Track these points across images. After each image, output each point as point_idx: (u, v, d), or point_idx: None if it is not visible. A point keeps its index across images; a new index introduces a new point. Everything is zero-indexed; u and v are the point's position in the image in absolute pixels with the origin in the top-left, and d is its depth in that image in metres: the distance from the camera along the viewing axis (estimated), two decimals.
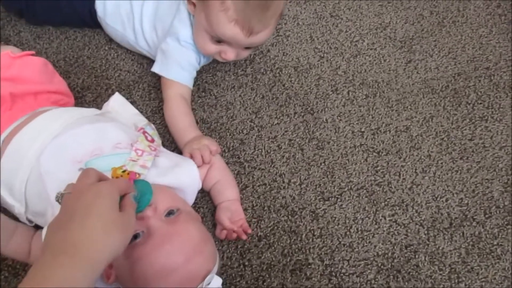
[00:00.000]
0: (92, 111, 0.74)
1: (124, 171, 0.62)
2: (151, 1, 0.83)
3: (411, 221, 0.78)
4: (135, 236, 0.54)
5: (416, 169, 0.83)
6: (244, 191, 0.78)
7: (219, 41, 0.75)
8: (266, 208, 0.77)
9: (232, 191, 0.74)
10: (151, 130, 0.71)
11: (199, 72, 0.88)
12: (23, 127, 0.65)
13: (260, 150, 0.83)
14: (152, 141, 0.68)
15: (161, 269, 0.53)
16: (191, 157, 0.70)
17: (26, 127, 0.65)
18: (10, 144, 0.64)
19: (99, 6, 0.86)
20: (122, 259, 0.54)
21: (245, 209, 0.76)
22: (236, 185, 0.76)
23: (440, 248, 0.76)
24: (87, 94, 0.87)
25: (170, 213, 0.58)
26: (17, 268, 0.68)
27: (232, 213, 0.72)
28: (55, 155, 0.62)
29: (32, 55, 0.74)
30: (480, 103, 0.93)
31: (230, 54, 0.77)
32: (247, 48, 0.78)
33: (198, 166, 0.70)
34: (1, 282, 0.67)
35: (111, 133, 0.67)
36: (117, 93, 0.80)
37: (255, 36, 0.73)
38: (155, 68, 0.83)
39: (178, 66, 0.80)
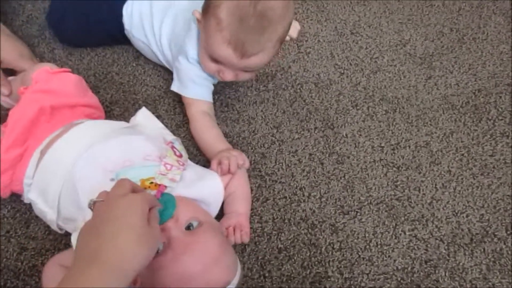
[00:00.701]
0: (122, 124, 0.78)
1: (151, 183, 0.65)
2: (170, 20, 0.86)
3: (431, 236, 0.78)
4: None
5: (436, 184, 0.84)
6: (265, 203, 0.80)
7: (217, 60, 0.76)
8: (286, 220, 0.78)
9: (243, 205, 0.75)
10: (179, 145, 0.74)
11: (222, 87, 0.91)
12: (59, 138, 0.69)
13: (281, 164, 0.85)
14: (180, 156, 0.71)
15: (179, 278, 0.55)
16: (219, 163, 0.72)
17: (61, 138, 0.69)
18: (46, 153, 0.68)
19: (126, 20, 0.91)
20: (146, 269, 0.56)
21: (265, 221, 0.78)
22: (250, 201, 0.77)
23: (461, 263, 0.76)
24: (115, 108, 0.90)
25: (191, 224, 0.60)
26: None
27: (234, 224, 0.73)
28: (88, 165, 0.66)
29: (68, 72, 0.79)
30: (501, 119, 0.93)
31: (227, 75, 0.78)
32: (246, 71, 0.78)
33: (223, 174, 0.72)
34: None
35: (140, 145, 0.71)
36: (144, 108, 0.83)
37: (248, 59, 0.73)
38: (174, 87, 0.86)
39: (193, 83, 0.83)
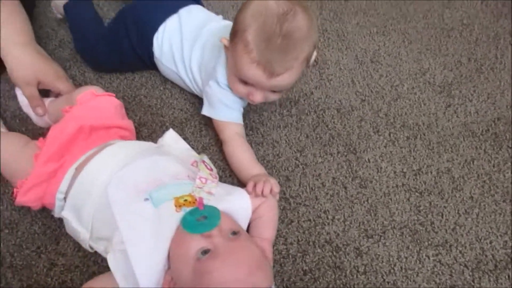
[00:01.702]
0: (151, 144, 0.81)
1: (185, 200, 0.67)
2: (199, 49, 0.89)
3: (455, 261, 0.78)
4: (205, 252, 0.59)
5: (458, 210, 0.85)
6: (289, 226, 0.81)
7: (246, 82, 0.79)
8: (311, 243, 0.79)
9: (268, 231, 0.76)
10: (207, 160, 0.76)
11: (247, 112, 0.94)
12: (93, 158, 0.71)
13: (305, 187, 0.86)
14: (211, 169, 0.73)
15: (226, 281, 0.57)
16: (254, 185, 0.74)
17: (95, 157, 0.71)
18: (81, 173, 0.70)
19: (156, 49, 0.94)
20: (188, 273, 0.58)
21: (290, 243, 0.79)
22: (276, 228, 0.78)
23: None
24: (143, 129, 0.93)
25: (234, 233, 0.62)
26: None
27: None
28: (121, 186, 0.68)
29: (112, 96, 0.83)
30: None
31: (256, 96, 0.80)
32: (274, 91, 0.80)
33: (256, 196, 0.73)
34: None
35: (169, 165, 0.73)
36: (171, 130, 0.86)
37: (276, 78, 0.75)
38: (205, 111, 0.88)
39: (225, 107, 0.86)
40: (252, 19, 0.73)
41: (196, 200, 0.67)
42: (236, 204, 0.72)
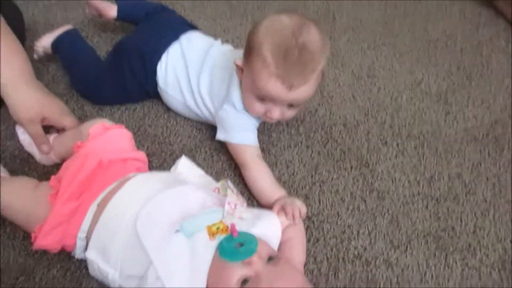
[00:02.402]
0: (171, 175, 0.79)
1: (218, 228, 0.65)
2: (206, 74, 0.88)
3: (481, 264, 0.80)
4: (245, 281, 0.58)
5: (475, 213, 0.87)
6: (316, 244, 0.80)
7: (263, 99, 0.79)
8: (340, 259, 0.79)
9: (299, 253, 0.75)
10: (231, 185, 0.74)
11: None
12: (116, 193, 0.69)
13: (325, 204, 0.86)
14: (237, 194, 0.72)
15: None
16: (282, 209, 0.73)
17: (118, 193, 0.69)
18: (105, 210, 0.67)
19: (160, 78, 0.92)
20: None
21: (320, 262, 0.78)
22: (305, 249, 0.77)
23: None
24: (153, 160, 0.91)
25: (271, 258, 0.62)
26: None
27: None
28: (151, 219, 0.65)
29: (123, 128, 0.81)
30: None
31: (275, 113, 0.80)
32: (291, 106, 0.80)
33: (287, 219, 0.73)
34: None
35: (194, 194, 0.71)
36: (183, 157, 0.84)
37: (295, 91, 0.75)
38: (220, 136, 0.87)
39: (242, 129, 0.85)
40: (267, 35, 0.74)
41: (228, 227, 0.66)
42: (267, 227, 0.71)
